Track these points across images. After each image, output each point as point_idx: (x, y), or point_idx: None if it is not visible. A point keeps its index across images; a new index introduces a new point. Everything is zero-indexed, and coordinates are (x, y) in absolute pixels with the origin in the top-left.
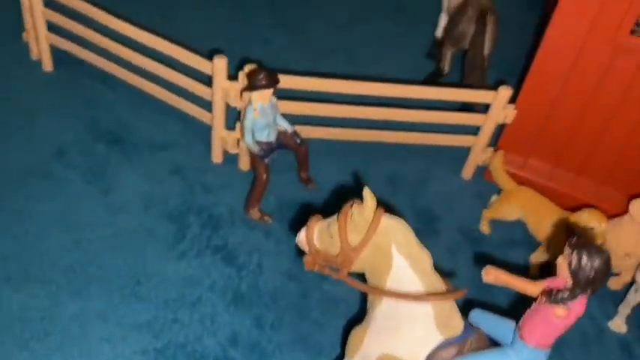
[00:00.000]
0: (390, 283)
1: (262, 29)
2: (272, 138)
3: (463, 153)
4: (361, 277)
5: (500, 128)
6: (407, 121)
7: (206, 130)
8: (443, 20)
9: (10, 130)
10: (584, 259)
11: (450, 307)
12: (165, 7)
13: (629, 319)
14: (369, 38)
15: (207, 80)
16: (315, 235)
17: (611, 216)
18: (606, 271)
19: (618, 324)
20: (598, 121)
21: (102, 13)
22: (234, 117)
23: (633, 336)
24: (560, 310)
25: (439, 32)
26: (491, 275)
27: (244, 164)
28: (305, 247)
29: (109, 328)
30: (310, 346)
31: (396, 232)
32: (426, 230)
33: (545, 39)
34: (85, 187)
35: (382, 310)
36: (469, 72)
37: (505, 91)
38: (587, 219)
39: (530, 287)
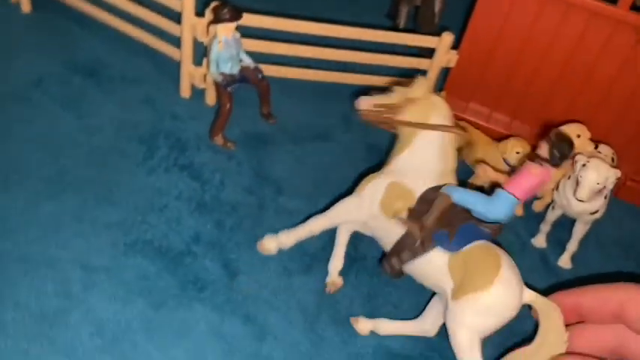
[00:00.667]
0: (419, 138)
1: None
2: (235, 71)
3: None
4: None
5: (447, 73)
6: (361, 63)
7: (175, 67)
8: None
9: None
10: (558, 140)
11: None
12: None
13: (549, 236)
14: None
15: (177, 18)
16: (376, 100)
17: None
18: (567, 151)
19: (540, 240)
20: (530, 67)
21: None
22: (201, 53)
23: (550, 250)
24: (536, 168)
25: None
26: (483, 170)
27: (210, 99)
28: (365, 105)
29: (82, 226)
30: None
31: (442, 105)
32: (378, 164)
33: None
34: (62, 112)
35: (407, 154)
36: (421, 25)
37: (447, 37)
38: (513, 145)
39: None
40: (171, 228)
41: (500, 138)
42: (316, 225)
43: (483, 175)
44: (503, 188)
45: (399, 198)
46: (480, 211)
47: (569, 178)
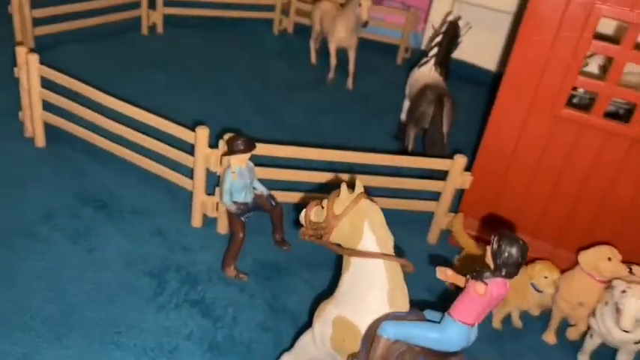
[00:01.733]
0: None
1: (244, 113)
2: (248, 199)
3: (428, 218)
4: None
5: (461, 195)
6: (374, 187)
7: (186, 197)
8: (406, 105)
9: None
10: (503, 244)
11: (401, 288)
12: (152, 92)
13: None
14: (339, 123)
15: (189, 150)
16: (313, 212)
17: (563, 271)
18: (519, 257)
19: None
20: (547, 186)
21: (94, 90)
22: (213, 183)
23: None
24: (480, 286)
25: (403, 116)
26: (442, 273)
27: (222, 227)
28: (302, 221)
29: None
30: None
31: (371, 212)
32: None
33: (492, 113)
34: (71, 246)
35: (347, 277)
36: (429, 147)
37: (461, 159)
38: (540, 269)
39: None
40: None
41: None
42: None
43: (442, 276)
44: (449, 314)
45: (346, 336)
46: (428, 345)
47: (606, 304)
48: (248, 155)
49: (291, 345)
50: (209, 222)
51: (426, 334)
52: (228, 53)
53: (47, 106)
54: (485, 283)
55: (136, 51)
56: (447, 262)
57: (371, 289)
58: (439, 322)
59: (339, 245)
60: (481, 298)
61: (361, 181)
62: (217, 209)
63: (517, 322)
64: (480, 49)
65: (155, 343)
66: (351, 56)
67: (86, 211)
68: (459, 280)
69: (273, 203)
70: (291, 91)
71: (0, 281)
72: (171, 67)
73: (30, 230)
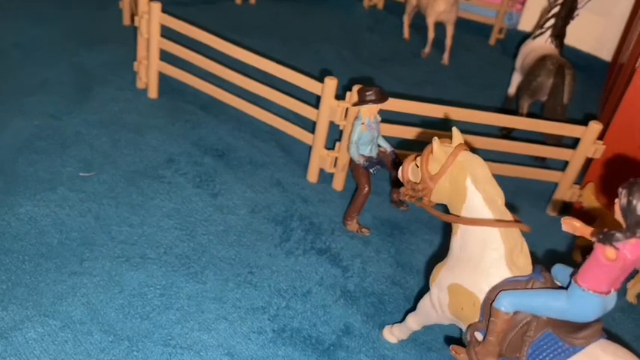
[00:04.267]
0: (465, 214)
1: (342, 83)
2: (374, 153)
3: (545, 188)
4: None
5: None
6: (493, 151)
7: (300, 152)
8: (516, 79)
9: (121, 143)
10: (635, 197)
11: (520, 246)
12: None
13: None
14: (440, 97)
15: (311, 102)
16: (410, 170)
17: None
18: None
19: None
20: None
21: (216, 38)
22: (333, 138)
23: None
24: (609, 251)
25: (512, 89)
26: (569, 225)
27: (338, 184)
28: (402, 179)
29: (225, 309)
30: (421, 344)
31: (472, 166)
32: None
33: (634, 80)
34: (195, 190)
35: (457, 241)
36: (549, 119)
37: (596, 126)
38: None
39: None
40: (319, 317)
41: None
42: (411, 324)
43: (569, 228)
44: (575, 281)
45: (464, 305)
46: (554, 316)
47: None
48: (379, 107)
49: (415, 302)
50: (324, 178)
51: (549, 304)
52: (320, 25)
53: (162, 58)
54: (617, 248)
55: (231, 19)
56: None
57: (485, 252)
58: (567, 288)
59: (442, 210)
60: (612, 264)
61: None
62: (335, 165)
63: None
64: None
65: (288, 285)
66: (449, 31)
67: (206, 158)
68: (590, 234)
69: (396, 160)
70: (386, 64)
71: (133, 217)
72: (266, 36)
73: (155, 173)
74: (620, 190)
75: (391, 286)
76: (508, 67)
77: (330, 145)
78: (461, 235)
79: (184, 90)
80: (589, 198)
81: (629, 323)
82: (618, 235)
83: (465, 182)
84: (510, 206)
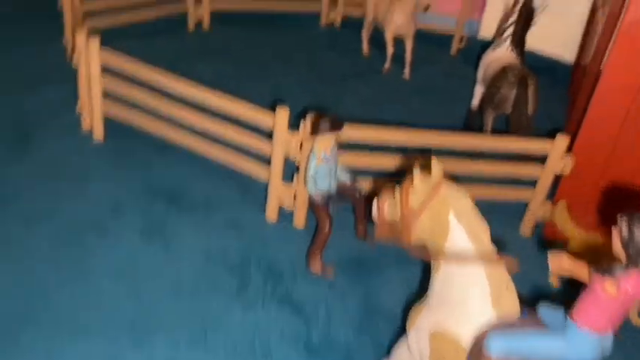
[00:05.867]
0: (447, 251)
1: (300, 105)
2: (333, 187)
3: (513, 208)
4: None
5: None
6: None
7: (258, 190)
8: (478, 91)
9: (64, 193)
10: (636, 228)
11: (506, 285)
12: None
13: None
14: (401, 113)
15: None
16: (386, 207)
17: None
18: None
19: None
20: None
21: (162, 73)
22: (290, 172)
23: None
24: (609, 284)
25: (475, 102)
26: (556, 261)
27: (299, 221)
28: (376, 220)
29: None
30: None
31: (455, 200)
32: None
33: (597, 89)
34: (142, 241)
35: (438, 279)
36: (515, 132)
37: (563, 140)
38: None
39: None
40: None
41: None
42: None
43: (556, 266)
44: (573, 320)
45: (446, 353)
46: (548, 357)
47: None
48: (334, 138)
49: (389, 351)
50: (284, 216)
51: (545, 347)
52: (277, 47)
53: (107, 98)
54: (617, 281)
55: (183, 46)
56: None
57: (469, 293)
58: (560, 328)
59: (423, 247)
60: (612, 299)
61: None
62: (295, 202)
63: None
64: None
65: (247, 344)
66: (408, 45)
67: (156, 205)
68: (581, 272)
69: (358, 193)
70: (346, 81)
71: (72, 278)
72: (220, 61)
73: (99, 225)
74: (619, 220)
75: (359, 335)
76: (470, 77)
77: (289, 178)
78: (442, 274)
79: (134, 130)
80: (561, 216)
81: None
82: (618, 267)
83: (447, 217)
84: None
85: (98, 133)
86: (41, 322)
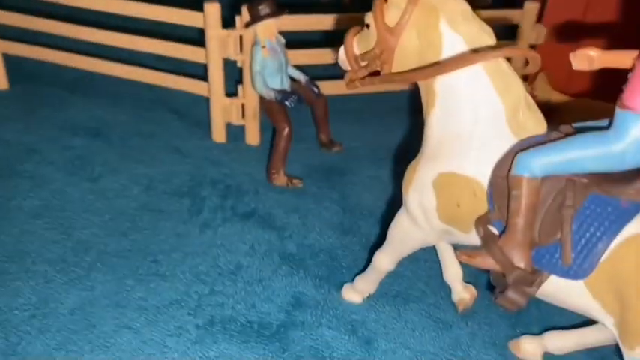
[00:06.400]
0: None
1: None
2: (285, 85)
3: None
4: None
5: None
6: None
7: (197, 112)
8: None
9: None
10: None
11: (524, 101)
12: None
13: None
14: None
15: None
16: (355, 43)
17: None
18: None
19: None
20: None
21: None
22: (232, 81)
23: None
24: None
25: None
26: (582, 60)
27: (252, 138)
28: (345, 63)
29: (126, 314)
30: (394, 297)
31: (444, 3)
32: None
33: None
34: (67, 178)
35: (434, 117)
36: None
37: (532, 6)
38: None
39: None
40: (257, 294)
41: None
42: (383, 263)
43: (584, 63)
44: (621, 106)
45: (461, 197)
46: (599, 167)
47: None
48: (277, 24)
49: (380, 243)
50: (234, 135)
51: (590, 150)
52: None
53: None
54: None
55: None
56: None
57: (479, 118)
58: (606, 127)
59: (409, 71)
60: None
61: None
62: (244, 114)
63: None
64: None
65: (208, 265)
66: None
67: (76, 141)
68: (615, 58)
69: (316, 90)
70: None
71: None
72: None
73: (12, 170)
74: None
75: (342, 237)
76: None
77: (231, 90)
78: (440, 105)
79: (42, 71)
80: (543, 88)
81: None
82: None
83: (437, 27)
84: None
85: (1, 80)
86: None
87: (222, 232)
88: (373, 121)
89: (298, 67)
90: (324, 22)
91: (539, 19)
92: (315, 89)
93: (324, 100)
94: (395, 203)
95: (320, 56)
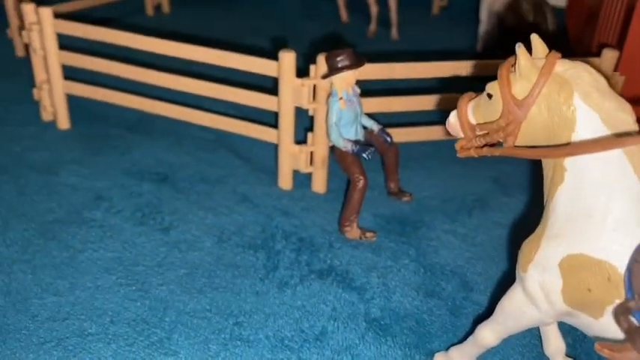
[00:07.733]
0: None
1: None
2: (360, 135)
3: None
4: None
5: None
6: None
7: (261, 158)
8: (485, 31)
9: (29, 189)
10: None
11: None
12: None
13: None
14: None
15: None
16: (470, 111)
17: None
18: None
19: None
20: None
21: (124, 33)
22: (302, 129)
23: None
24: None
25: (481, 45)
26: None
27: (319, 186)
28: (457, 130)
29: None
30: None
31: (578, 77)
32: None
33: None
34: (138, 228)
35: (564, 194)
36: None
37: (611, 54)
38: None
39: None
40: None
41: None
42: (488, 339)
43: None
44: None
45: (592, 282)
46: None
47: None
48: (355, 75)
49: (468, 310)
50: (300, 182)
51: None
52: (249, 21)
53: (68, 76)
54: None
55: (143, 31)
56: None
57: (614, 197)
58: None
59: (540, 148)
60: None
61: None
62: (312, 162)
63: None
64: None
65: (291, 329)
66: (392, 3)
67: (145, 186)
68: None
69: (389, 140)
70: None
71: (58, 282)
72: (192, 43)
73: (79, 218)
74: None
75: (426, 300)
76: (460, 31)
77: (300, 138)
78: (570, 183)
79: (104, 111)
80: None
81: None
82: None
83: (571, 102)
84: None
85: (63, 120)
86: (21, 334)
87: (302, 291)
88: (439, 168)
89: (368, 115)
90: (404, 70)
91: (616, 67)
92: (388, 138)
93: (395, 149)
94: (477, 263)
95: (389, 104)
